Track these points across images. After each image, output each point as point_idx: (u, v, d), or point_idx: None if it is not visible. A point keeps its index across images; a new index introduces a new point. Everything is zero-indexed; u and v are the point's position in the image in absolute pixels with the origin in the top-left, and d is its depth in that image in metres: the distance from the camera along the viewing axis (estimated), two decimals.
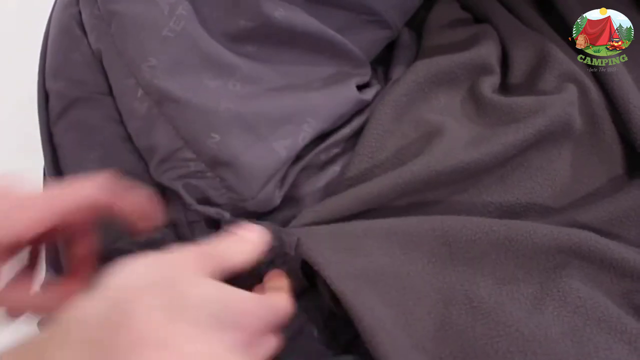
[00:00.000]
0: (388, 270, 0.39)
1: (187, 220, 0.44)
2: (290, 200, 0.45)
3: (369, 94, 0.49)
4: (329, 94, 0.46)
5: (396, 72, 0.51)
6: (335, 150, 0.47)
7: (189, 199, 0.42)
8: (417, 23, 0.55)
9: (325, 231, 0.40)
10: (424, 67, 0.48)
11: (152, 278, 0.29)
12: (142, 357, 0.25)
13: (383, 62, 0.54)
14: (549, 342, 0.36)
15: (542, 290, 0.38)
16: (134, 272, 0.29)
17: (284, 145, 0.43)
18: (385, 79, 0.52)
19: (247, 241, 0.35)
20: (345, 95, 0.47)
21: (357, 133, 0.47)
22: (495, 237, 0.39)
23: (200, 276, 0.30)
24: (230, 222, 0.41)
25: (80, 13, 0.48)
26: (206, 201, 0.43)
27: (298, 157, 0.45)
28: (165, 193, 0.45)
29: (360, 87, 0.50)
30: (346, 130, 0.47)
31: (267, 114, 0.43)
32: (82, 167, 0.46)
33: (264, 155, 0.42)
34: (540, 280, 0.39)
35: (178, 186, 0.43)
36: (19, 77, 0.56)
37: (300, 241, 0.39)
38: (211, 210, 0.42)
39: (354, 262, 0.39)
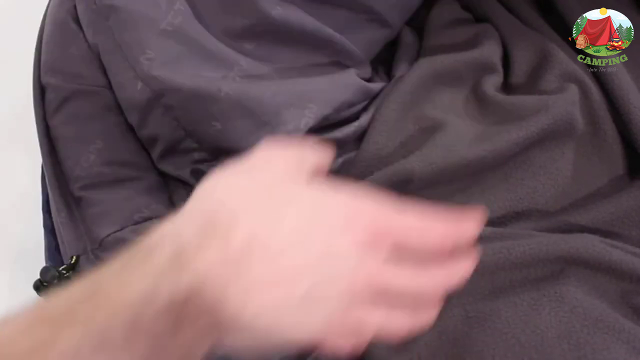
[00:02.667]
0: None
1: None
2: None
3: (374, 86, 0.49)
4: (330, 79, 0.46)
5: (400, 69, 0.51)
6: (343, 148, 0.47)
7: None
8: (417, 23, 0.55)
9: None
10: (428, 65, 0.48)
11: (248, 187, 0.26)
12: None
13: (384, 62, 0.53)
14: (546, 347, 0.36)
15: (539, 291, 0.38)
16: (227, 184, 0.26)
17: (286, 130, 0.43)
18: (388, 77, 0.52)
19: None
20: (346, 81, 0.47)
21: (364, 130, 0.47)
22: (491, 248, 0.39)
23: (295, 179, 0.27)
24: None
25: (75, 8, 0.48)
26: None
27: None
28: (169, 183, 0.46)
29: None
30: (352, 127, 0.47)
31: (269, 99, 0.43)
32: (82, 158, 0.47)
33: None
34: (537, 285, 0.38)
35: (186, 174, 0.43)
36: (14, 73, 0.56)
37: None
38: None
39: None
